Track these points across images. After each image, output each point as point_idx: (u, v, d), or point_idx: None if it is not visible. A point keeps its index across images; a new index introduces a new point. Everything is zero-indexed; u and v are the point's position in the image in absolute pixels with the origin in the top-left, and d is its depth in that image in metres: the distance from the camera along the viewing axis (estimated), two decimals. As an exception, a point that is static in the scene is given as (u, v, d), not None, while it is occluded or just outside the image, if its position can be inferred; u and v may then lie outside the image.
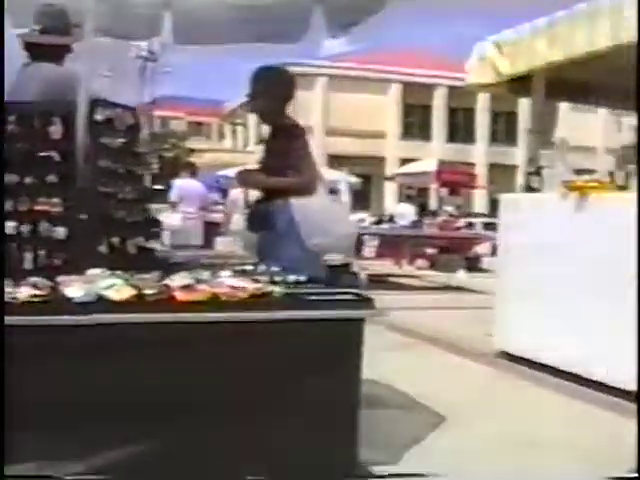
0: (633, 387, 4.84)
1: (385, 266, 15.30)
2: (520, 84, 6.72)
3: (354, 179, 23.88)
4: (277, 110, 4.49)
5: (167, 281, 2.81)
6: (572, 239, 5.54)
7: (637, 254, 4.54)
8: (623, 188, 5.51)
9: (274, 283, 2.99)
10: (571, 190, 5.58)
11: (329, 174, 22.87)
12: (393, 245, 15.27)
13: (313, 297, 2.83)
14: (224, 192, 19.24)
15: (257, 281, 2.94)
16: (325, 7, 4.55)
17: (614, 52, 5.40)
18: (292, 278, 3.11)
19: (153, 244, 4.02)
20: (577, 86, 6.83)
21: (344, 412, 2.89)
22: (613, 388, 5.02)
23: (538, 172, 6.30)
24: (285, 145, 4.27)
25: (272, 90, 4.48)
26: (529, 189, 6.36)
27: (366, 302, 2.89)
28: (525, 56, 6.16)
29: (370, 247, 14.54)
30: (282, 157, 4.20)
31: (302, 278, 3.12)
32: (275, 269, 3.34)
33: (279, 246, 3.93)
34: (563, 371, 5.50)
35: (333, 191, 22.18)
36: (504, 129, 43.80)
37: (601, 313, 5.24)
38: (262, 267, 3.41)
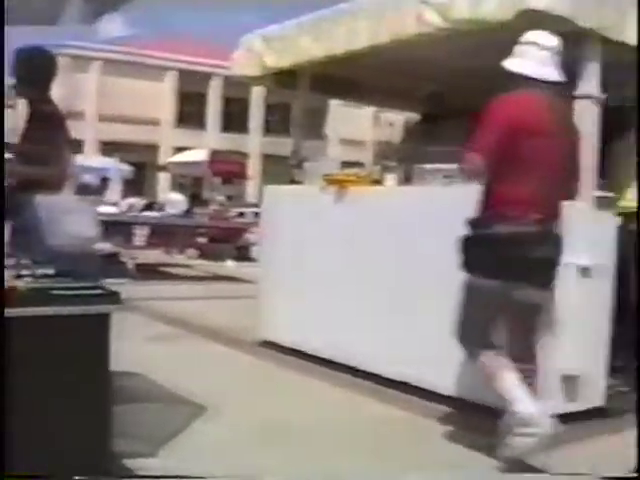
0: (387, 372, 5.08)
1: (156, 255, 15.15)
2: (286, 78, 6.81)
3: (126, 167, 23.44)
4: (36, 93, 4.33)
5: None
6: (330, 231, 5.73)
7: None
8: (378, 182, 5.75)
9: (20, 277, 2.88)
10: (330, 183, 5.77)
11: (100, 161, 22.31)
12: (164, 234, 15.14)
13: (59, 292, 2.74)
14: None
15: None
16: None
17: (373, 52, 5.56)
18: (40, 272, 3.00)
19: None
20: (340, 83, 7.00)
21: (95, 407, 2.83)
22: (374, 374, 5.25)
23: (300, 165, 6.46)
24: (39, 133, 4.12)
25: (30, 72, 4.32)
26: (292, 181, 6.51)
27: (112, 296, 2.83)
28: (290, 51, 6.24)
29: (140, 236, 14.32)
30: (35, 145, 4.05)
31: (50, 272, 3.02)
32: (24, 262, 3.21)
33: (29, 238, 3.77)
34: (325, 359, 5.68)
35: (105, 178, 21.65)
36: (279, 120, 44.41)
37: (355, 301, 5.49)
38: (10, 260, 3.26)
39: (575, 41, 4.56)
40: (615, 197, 4.93)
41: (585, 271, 4.47)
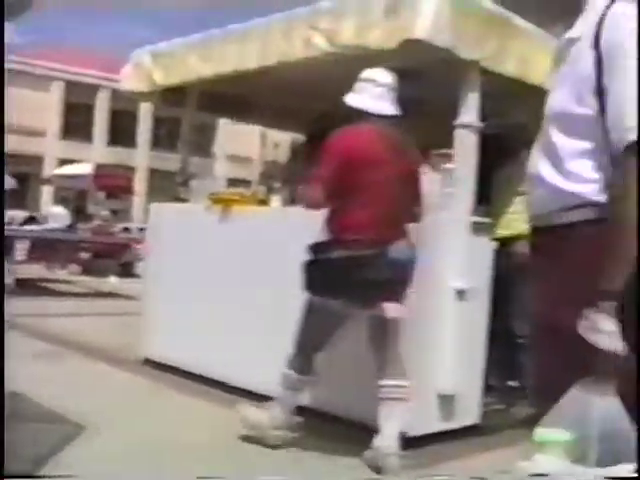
0: (264, 390, 5.10)
1: (37, 270, 14.77)
2: (175, 95, 6.80)
3: (8, 178, 22.79)
4: None
5: None
6: (213, 250, 5.76)
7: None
8: (264, 202, 5.80)
9: None
10: (215, 202, 5.78)
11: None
12: (46, 248, 14.77)
13: None
14: None
15: None
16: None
17: (262, 72, 5.61)
18: None
19: None
20: (229, 101, 7.02)
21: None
22: (253, 393, 5.25)
23: (186, 183, 6.46)
24: None
25: None
26: (178, 199, 6.50)
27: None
28: (179, 69, 6.24)
29: (21, 250, 13.94)
30: None
31: None
32: None
33: None
34: (206, 377, 5.68)
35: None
36: (167, 134, 43.99)
37: (233, 320, 5.50)
38: None
39: (456, 71, 4.74)
40: (492, 223, 5.11)
41: (461, 294, 4.63)
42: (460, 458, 4.38)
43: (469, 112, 4.76)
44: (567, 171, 2.16)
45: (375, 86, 4.36)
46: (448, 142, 4.82)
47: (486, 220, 4.97)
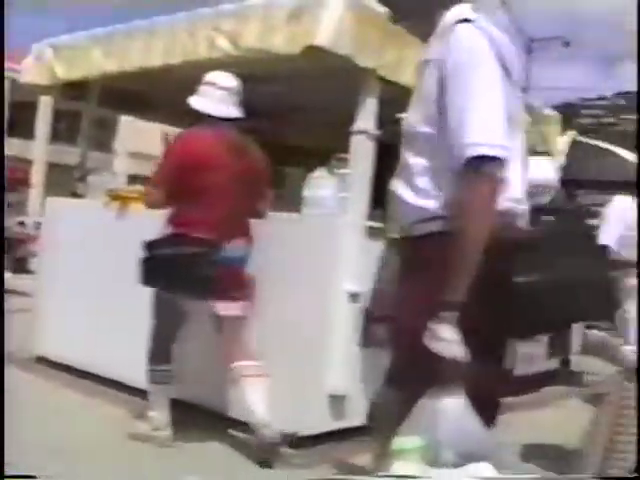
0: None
1: None
2: (75, 89, 6.71)
3: None
4: None
5: None
6: (108, 247, 5.71)
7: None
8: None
9: None
10: (113, 199, 5.74)
11: None
12: None
13: None
14: None
15: None
16: None
17: (166, 70, 5.60)
18: None
19: None
20: (132, 98, 6.95)
21: None
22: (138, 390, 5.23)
23: (84, 177, 6.39)
24: None
25: None
26: (75, 194, 6.43)
27: None
28: (81, 63, 6.16)
29: None
30: None
31: None
32: None
33: None
34: (102, 376, 5.65)
35: None
36: (67, 128, 42.83)
37: (126, 318, 5.42)
38: None
39: (355, 78, 4.82)
40: (385, 227, 5.21)
41: (354, 297, 4.71)
42: (349, 458, 4.45)
43: (366, 119, 4.84)
44: (416, 187, 2.28)
45: (216, 89, 4.51)
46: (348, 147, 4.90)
47: (381, 225, 5.07)
